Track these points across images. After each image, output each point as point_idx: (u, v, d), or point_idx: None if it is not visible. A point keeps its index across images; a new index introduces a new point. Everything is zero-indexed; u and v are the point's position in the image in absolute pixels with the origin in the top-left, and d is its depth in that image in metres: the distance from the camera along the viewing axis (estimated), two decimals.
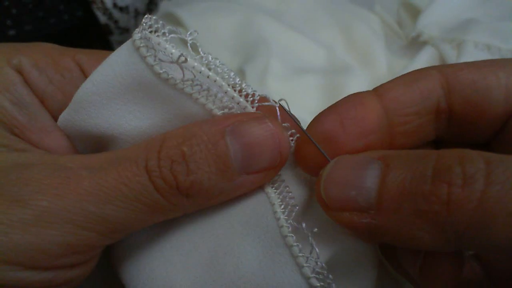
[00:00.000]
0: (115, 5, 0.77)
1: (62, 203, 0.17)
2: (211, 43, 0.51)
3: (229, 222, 0.20)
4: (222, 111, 0.19)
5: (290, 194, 0.20)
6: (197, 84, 0.19)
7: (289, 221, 0.19)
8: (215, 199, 0.20)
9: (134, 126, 0.20)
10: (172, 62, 0.18)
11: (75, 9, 0.70)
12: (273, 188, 0.20)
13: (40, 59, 0.21)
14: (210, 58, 0.20)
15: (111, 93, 0.19)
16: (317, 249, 0.18)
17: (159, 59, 0.18)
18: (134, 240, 0.22)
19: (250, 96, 0.20)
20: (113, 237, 0.19)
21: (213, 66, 0.20)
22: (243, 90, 0.20)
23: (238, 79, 0.20)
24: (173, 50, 0.19)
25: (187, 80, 0.18)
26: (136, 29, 0.19)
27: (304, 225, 0.18)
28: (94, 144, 0.22)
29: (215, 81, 0.20)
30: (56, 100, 0.21)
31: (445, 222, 0.14)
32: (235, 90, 0.20)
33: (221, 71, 0.20)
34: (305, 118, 0.30)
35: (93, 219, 0.18)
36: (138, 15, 0.81)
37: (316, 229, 0.18)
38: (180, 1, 0.61)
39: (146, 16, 0.19)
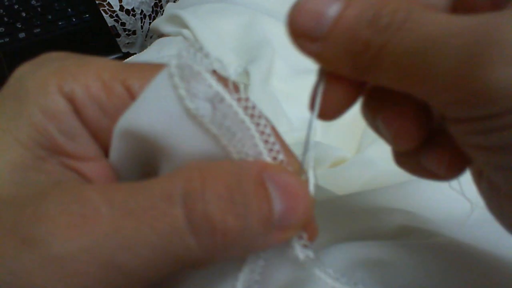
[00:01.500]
0: (121, 7, 0.78)
1: (73, 249, 0.15)
2: (216, 45, 0.52)
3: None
4: (239, 155, 0.18)
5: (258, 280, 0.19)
6: (223, 127, 0.18)
7: None
8: (245, 252, 0.18)
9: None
10: (207, 99, 0.17)
11: (83, 12, 0.72)
12: (247, 268, 0.19)
13: (92, 84, 0.20)
14: (244, 98, 0.19)
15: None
16: None
17: (193, 94, 0.17)
18: None
19: (274, 151, 0.19)
20: None
21: (245, 105, 0.19)
22: (269, 143, 0.19)
23: (269, 132, 0.19)
24: (213, 82, 0.18)
25: (215, 122, 0.17)
26: (174, 59, 0.17)
27: None
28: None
29: (243, 122, 0.18)
30: (110, 133, 0.20)
31: (369, 62, 0.18)
32: (261, 140, 0.19)
33: (251, 112, 0.19)
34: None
35: (107, 268, 0.15)
36: (144, 18, 0.82)
37: None
38: (185, 3, 0.62)
39: (186, 46, 0.18)
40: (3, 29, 0.69)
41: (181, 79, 0.17)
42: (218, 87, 0.18)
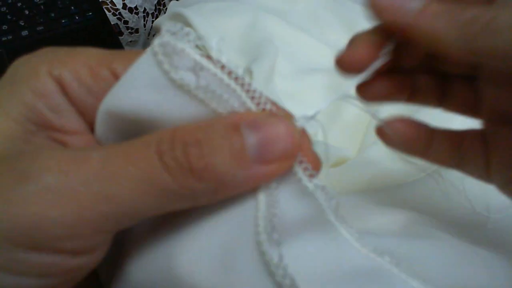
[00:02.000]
0: (124, 5, 0.78)
1: (66, 180, 0.17)
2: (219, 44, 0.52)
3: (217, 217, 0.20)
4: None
5: (277, 212, 0.19)
6: (209, 91, 0.19)
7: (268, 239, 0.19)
8: (229, 188, 0.19)
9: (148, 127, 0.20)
10: (189, 69, 0.18)
11: (86, 10, 0.72)
12: (265, 200, 0.20)
13: (79, 69, 0.21)
14: (235, 69, 0.20)
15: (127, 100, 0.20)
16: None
17: (175, 67, 0.18)
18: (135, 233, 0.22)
19: (262, 104, 0.20)
20: (118, 221, 0.18)
21: (228, 70, 0.20)
22: (255, 98, 0.20)
23: (254, 88, 0.20)
24: (196, 56, 0.19)
25: (200, 87, 0.19)
26: (156, 39, 0.18)
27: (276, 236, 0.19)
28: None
29: (228, 85, 0.19)
30: (95, 111, 0.22)
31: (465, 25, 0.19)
32: (248, 97, 0.20)
33: (234, 76, 0.20)
34: None
35: (97, 199, 0.17)
36: (147, 16, 0.82)
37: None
38: (189, 1, 0.62)
39: (169, 24, 0.19)
40: (6, 26, 0.69)
41: (164, 56, 0.18)
42: (195, 55, 0.19)
